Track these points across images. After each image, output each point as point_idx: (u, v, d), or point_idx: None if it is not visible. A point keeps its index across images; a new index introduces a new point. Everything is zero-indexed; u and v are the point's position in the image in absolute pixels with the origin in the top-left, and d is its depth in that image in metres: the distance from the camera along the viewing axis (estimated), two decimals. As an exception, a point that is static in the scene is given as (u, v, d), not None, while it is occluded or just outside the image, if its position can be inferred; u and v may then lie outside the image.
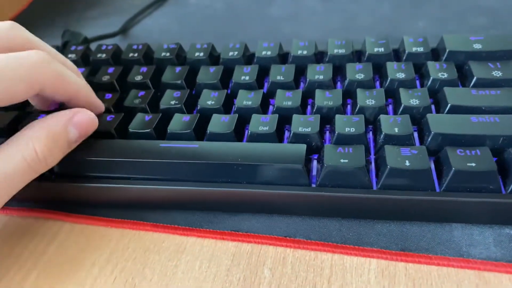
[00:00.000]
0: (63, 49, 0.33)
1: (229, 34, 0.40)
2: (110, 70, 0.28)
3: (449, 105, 0.23)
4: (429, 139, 0.21)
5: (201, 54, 0.29)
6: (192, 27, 0.42)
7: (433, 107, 0.24)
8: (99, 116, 0.24)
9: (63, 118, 0.21)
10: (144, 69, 0.28)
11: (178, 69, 0.28)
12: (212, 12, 0.43)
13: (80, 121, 0.22)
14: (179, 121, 0.24)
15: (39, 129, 0.21)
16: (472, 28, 0.35)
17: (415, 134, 0.23)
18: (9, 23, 0.22)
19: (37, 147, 0.20)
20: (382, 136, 0.22)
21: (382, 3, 0.41)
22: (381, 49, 0.27)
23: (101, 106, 0.25)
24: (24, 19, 0.47)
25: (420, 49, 0.26)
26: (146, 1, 0.46)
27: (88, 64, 0.30)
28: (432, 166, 0.21)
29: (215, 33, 0.40)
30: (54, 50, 0.24)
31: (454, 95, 0.23)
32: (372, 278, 0.20)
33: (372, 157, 0.22)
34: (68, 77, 0.22)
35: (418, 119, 0.23)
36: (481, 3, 0.38)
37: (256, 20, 0.41)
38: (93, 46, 0.34)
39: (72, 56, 0.30)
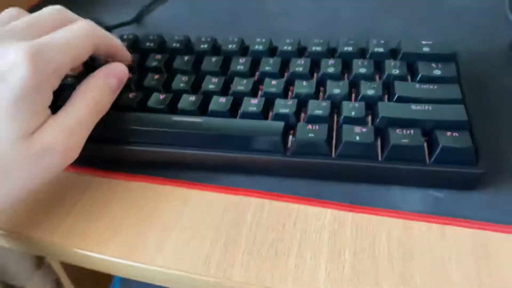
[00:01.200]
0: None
1: (229, 25, 0.45)
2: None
3: (396, 95, 0.29)
4: (377, 121, 0.28)
5: (205, 46, 0.35)
6: (198, 17, 0.48)
7: (386, 97, 0.30)
8: (126, 93, 0.31)
9: (105, 72, 0.28)
10: (158, 56, 0.34)
11: (186, 57, 0.34)
12: (215, 5, 0.49)
13: (118, 72, 0.29)
14: (187, 100, 0.31)
15: (91, 84, 0.28)
16: (434, 27, 0.42)
17: (369, 118, 0.29)
18: (58, 7, 0.29)
19: (94, 96, 0.27)
20: (342, 118, 0.28)
21: (362, 1, 0.47)
22: (350, 48, 0.33)
23: (129, 56, 0.32)
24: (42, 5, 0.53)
25: (381, 50, 0.32)
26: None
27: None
28: (379, 142, 0.28)
29: (217, 24, 0.46)
30: None
31: (401, 88, 0.29)
32: (327, 222, 0.27)
33: (334, 133, 0.29)
34: (110, 36, 0.30)
35: (372, 105, 0.29)
36: (447, 6, 0.44)
37: (254, 14, 0.47)
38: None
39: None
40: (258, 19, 0.46)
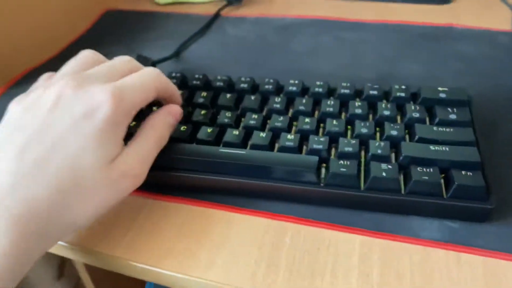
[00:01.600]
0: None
1: (259, 62, 0.50)
2: (180, 92, 0.39)
3: (417, 136, 0.33)
4: (400, 159, 0.32)
5: (245, 85, 0.39)
6: (230, 54, 0.52)
7: (407, 136, 0.34)
8: (177, 126, 0.35)
9: (166, 111, 0.34)
10: (204, 93, 0.39)
11: (228, 95, 0.39)
12: (246, 43, 0.54)
13: (175, 112, 0.34)
14: (231, 134, 0.35)
15: (156, 121, 0.33)
16: (450, 72, 0.46)
17: (393, 155, 0.33)
18: (129, 57, 0.34)
19: (159, 132, 0.32)
20: (369, 155, 0.32)
21: (383, 45, 0.51)
22: (375, 92, 0.37)
23: (180, 99, 0.37)
24: (87, 40, 0.58)
25: (402, 94, 0.37)
26: (192, 29, 0.57)
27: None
28: (401, 177, 0.32)
29: (248, 61, 0.50)
30: None
31: (421, 130, 0.34)
32: (356, 247, 0.30)
33: (362, 168, 0.33)
34: (171, 82, 0.34)
35: (395, 144, 0.34)
36: (462, 52, 0.48)
37: (281, 52, 0.51)
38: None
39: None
40: (285, 58, 0.50)
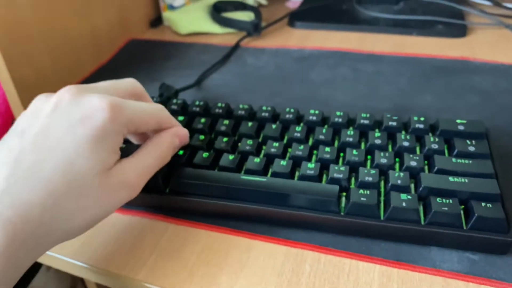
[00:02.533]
0: (160, 99, 0.45)
1: (278, 92, 0.51)
2: (202, 120, 0.40)
3: (436, 167, 0.34)
4: (420, 189, 0.33)
5: (266, 114, 0.41)
6: (250, 83, 0.54)
7: (426, 167, 0.35)
8: (200, 153, 0.36)
9: (173, 132, 0.34)
10: (226, 121, 0.40)
11: (250, 123, 0.40)
12: (265, 73, 0.55)
13: (182, 135, 0.35)
14: (252, 161, 0.36)
15: (162, 140, 0.33)
16: (466, 104, 0.47)
17: (412, 185, 0.34)
18: (133, 80, 0.35)
19: (162, 150, 0.33)
20: (389, 185, 0.33)
21: (399, 77, 0.52)
22: (394, 123, 0.38)
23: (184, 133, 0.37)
24: (110, 68, 0.60)
25: (421, 126, 0.37)
26: (212, 58, 0.59)
27: (186, 114, 0.42)
28: (421, 207, 0.32)
29: (267, 90, 0.51)
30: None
31: (440, 161, 0.34)
32: (376, 276, 0.31)
33: (382, 197, 0.33)
34: (173, 119, 0.35)
35: (415, 175, 0.34)
36: (478, 85, 0.49)
37: (299, 82, 0.53)
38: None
39: (174, 107, 0.42)
40: (303, 88, 0.51)
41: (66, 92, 0.30)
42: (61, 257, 0.34)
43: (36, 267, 0.50)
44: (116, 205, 0.30)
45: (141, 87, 0.35)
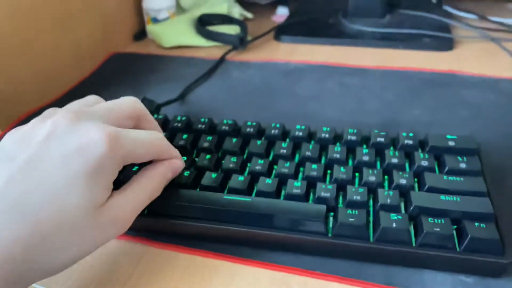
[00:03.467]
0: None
1: (264, 106, 0.50)
2: (184, 136, 0.39)
3: (426, 186, 0.32)
4: (410, 209, 0.31)
5: (251, 130, 0.39)
6: (235, 97, 0.52)
7: (416, 185, 0.34)
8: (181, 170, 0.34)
9: (167, 166, 0.32)
10: (209, 137, 0.38)
11: (234, 140, 0.38)
12: (251, 87, 0.54)
13: (176, 168, 0.33)
14: (236, 180, 0.34)
15: (154, 173, 0.31)
16: (455, 118, 0.46)
17: (402, 204, 0.32)
18: (133, 98, 0.33)
19: (155, 184, 0.31)
20: (378, 205, 0.32)
21: (386, 91, 0.51)
22: (382, 139, 0.37)
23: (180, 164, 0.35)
24: (92, 82, 0.59)
25: (410, 142, 0.36)
26: (197, 72, 0.57)
27: (167, 130, 0.40)
28: (412, 227, 0.31)
29: (253, 105, 0.50)
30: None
31: (431, 179, 0.33)
32: (366, 302, 0.29)
33: (371, 218, 0.32)
34: (172, 148, 0.33)
35: (405, 193, 0.33)
36: (466, 99, 0.49)
37: (286, 96, 0.51)
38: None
39: (155, 122, 0.41)
40: (290, 102, 0.50)
41: (63, 118, 0.28)
42: (34, 285, 0.32)
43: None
44: (104, 241, 0.28)
45: (142, 106, 0.33)
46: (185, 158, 0.36)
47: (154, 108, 0.46)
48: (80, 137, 0.27)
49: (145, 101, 0.46)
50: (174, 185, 0.34)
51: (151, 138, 0.31)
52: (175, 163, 0.33)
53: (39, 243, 0.25)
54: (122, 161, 0.28)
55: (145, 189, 0.30)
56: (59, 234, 0.25)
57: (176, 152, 0.33)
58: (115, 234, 0.28)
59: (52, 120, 0.28)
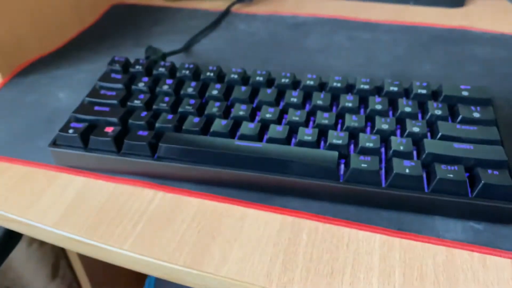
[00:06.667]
0: (148, 62, 0.42)
1: (271, 59, 0.49)
2: (193, 84, 0.38)
3: (440, 134, 0.32)
4: (423, 156, 0.31)
5: (261, 79, 0.38)
6: (241, 50, 0.51)
7: (429, 134, 0.33)
8: (189, 118, 0.34)
9: None
10: (218, 85, 0.38)
11: (243, 88, 0.37)
12: (257, 39, 0.53)
13: None
14: (246, 127, 0.34)
15: None
16: (467, 73, 0.45)
17: (414, 152, 0.32)
18: None
19: None
20: (391, 151, 0.31)
21: (397, 45, 0.50)
22: (395, 88, 0.36)
23: None
24: (94, 33, 0.57)
25: (424, 91, 0.36)
26: (201, 24, 0.56)
27: (174, 78, 0.39)
28: (424, 174, 0.31)
29: (260, 57, 0.49)
30: None
31: (444, 127, 0.32)
32: (376, 246, 0.29)
33: (383, 164, 0.32)
34: None
35: (417, 141, 0.32)
36: (477, 55, 0.48)
37: (293, 50, 0.50)
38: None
39: (162, 70, 0.40)
40: (298, 56, 0.49)
41: None
42: (42, 226, 0.32)
43: (14, 241, 0.48)
44: None
45: None
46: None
47: (159, 56, 0.45)
48: None
49: (150, 49, 0.45)
50: (184, 132, 0.34)
51: None
52: None
53: None
54: None
55: None
56: None
57: None
58: None
59: None
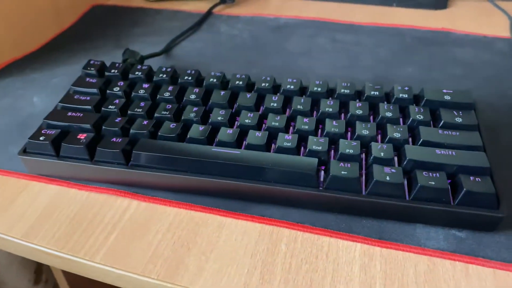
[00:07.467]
0: (124, 65, 0.41)
1: (253, 62, 0.48)
2: (170, 88, 0.37)
3: (421, 139, 0.31)
4: (404, 163, 0.30)
5: (240, 83, 0.37)
6: (223, 52, 0.50)
7: (410, 139, 0.33)
8: (166, 124, 0.33)
9: None
10: (196, 90, 0.36)
11: (222, 92, 0.36)
12: (239, 41, 0.52)
13: None
14: (225, 133, 0.33)
15: None
16: (449, 76, 0.44)
17: (395, 158, 0.32)
18: None
19: None
20: (371, 158, 0.30)
21: (379, 47, 0.50)
22: (376, 93, 0.35)
23: None
24: (73, 34, 0.55)
25: (405, 96, 0.35)
26: (182, 26, 0.54)
27: (151, 82, 0.38)
28: (405, 182, 0.30)
29: (241, 60, 0.48)
30: None
31: (426, 133, 0.32)
32: (357, 255, 0.28)
33: (364, 171, 0.31)
34: None
35: (398, 147, 0.32)
36: (460, 57, 0.47)
37: (275, 52, 0.50)
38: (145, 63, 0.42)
39: (138, 74, 0.38)
40: (280, 58, 0.48)
41: None
42: (9, 238, 0.30)
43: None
44: None
45: None
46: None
47: (137, 59, 0.43)
48: None
49: (128, 51, 0.44)
50: (159, 138, 0.33)
51: None
52: None
53: None
54: None
55: None
56: None
57: None
58: None
59: None
